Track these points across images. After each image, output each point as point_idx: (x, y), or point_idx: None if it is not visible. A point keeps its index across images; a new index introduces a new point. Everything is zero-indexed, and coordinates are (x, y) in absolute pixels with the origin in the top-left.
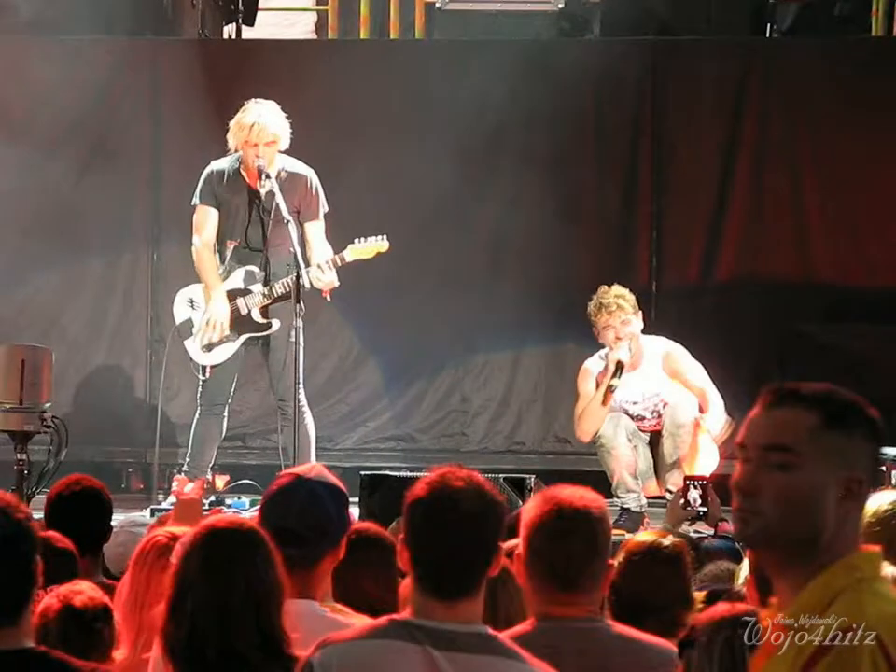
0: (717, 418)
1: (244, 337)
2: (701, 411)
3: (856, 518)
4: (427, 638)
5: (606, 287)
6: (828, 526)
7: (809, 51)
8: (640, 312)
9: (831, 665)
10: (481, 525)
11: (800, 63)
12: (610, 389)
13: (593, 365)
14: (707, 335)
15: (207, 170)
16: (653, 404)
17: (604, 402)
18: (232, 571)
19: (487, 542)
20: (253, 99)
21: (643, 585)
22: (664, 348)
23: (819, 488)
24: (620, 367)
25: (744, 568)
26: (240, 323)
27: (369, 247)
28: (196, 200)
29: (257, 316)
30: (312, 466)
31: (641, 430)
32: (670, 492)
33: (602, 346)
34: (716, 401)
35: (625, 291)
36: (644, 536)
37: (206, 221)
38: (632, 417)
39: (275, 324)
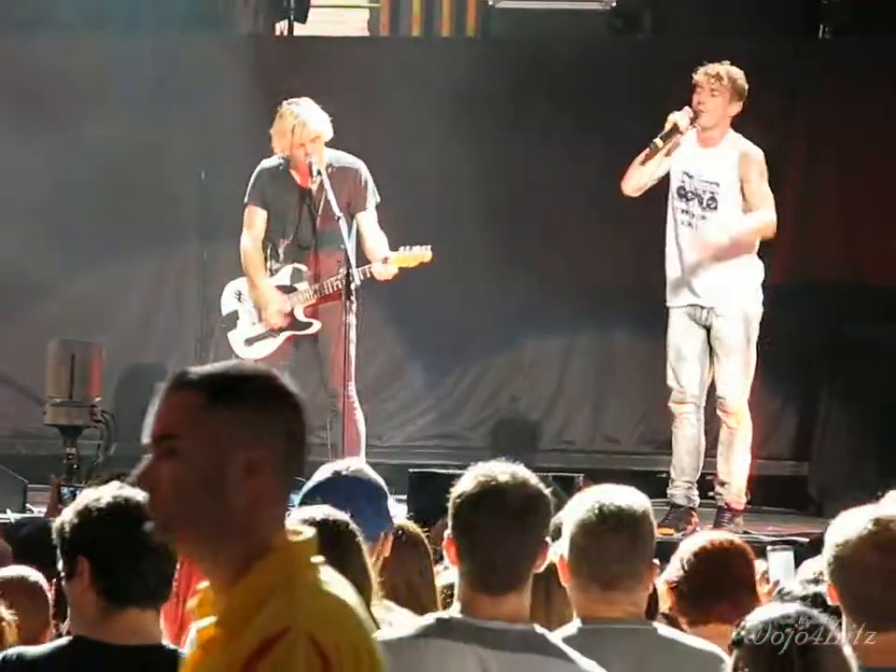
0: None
1: (285, 334)
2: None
3: (272, 497)
4: (474, 637)
5: (728, 62)
6: (235, 511)
7: (861, 51)
8: (741, 104)
9: (266, 670)
10: (527, 519)
11: (851, 64)
12: (653, 147)
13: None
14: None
15: (257, 169)
16: (705, 189)
17: (643, 161)
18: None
19: (533, 536)
20: (286, 101)
21: (711, 586)
22: (747, 147)
23: (211, 471)
24: (674, 129)
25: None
26: (283, 320)
27: (413, 256)
28: (246, 199)
29: (300, 315)
30: (350, 461)
31: (683, 214)
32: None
33: None
34: (769, 219)
35: (740, 75)
36: (702, 535)
37: (254, 220)
38: (680, 194)
39: (316, 324)
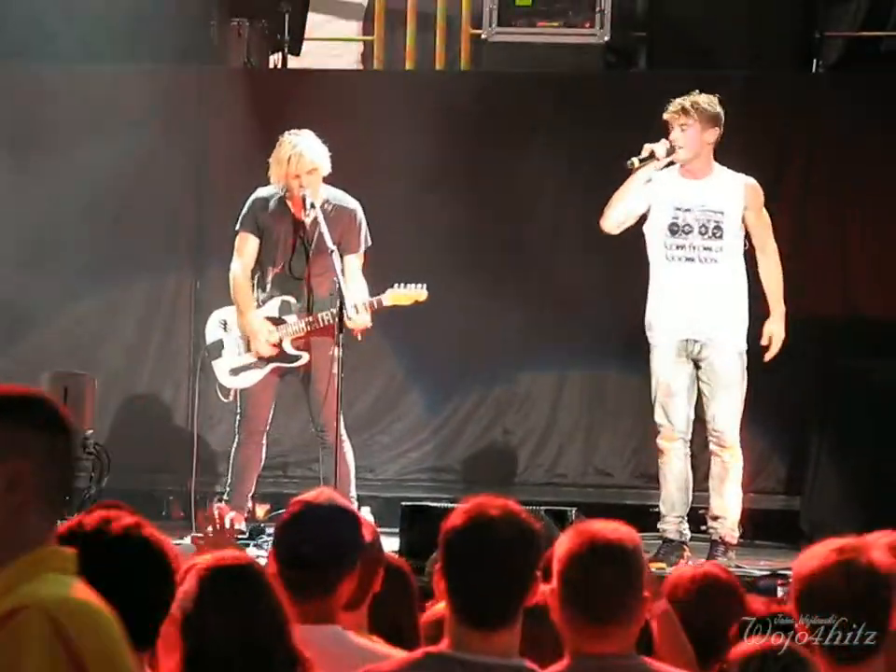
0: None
1: (271, 366)
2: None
3: (34, 510)
4: None
5: (697, 91)
6: None
7: (855, 87)
8: (718, 129)
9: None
10: (517, 554)
11: (846, 99)
12: (630, 165)
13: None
14: (749, 371)
15: (252, 197)
16: (709, 219)
17: (624, 187)
18: (247, 605)
19: (524, 571)
20: (287, 132)
21: (706, 618)
22: (750, 180)
23: None
24: (650, 156)
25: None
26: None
27: (408, 294)
28: (238, 226)
29: (288, 347)
30: (321, 491)
31: (678, 250)
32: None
33: None
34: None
35: (709, 102)
36: (689, 569)
37: (246, 248)
38: (672, 230)
39: (304, 357)
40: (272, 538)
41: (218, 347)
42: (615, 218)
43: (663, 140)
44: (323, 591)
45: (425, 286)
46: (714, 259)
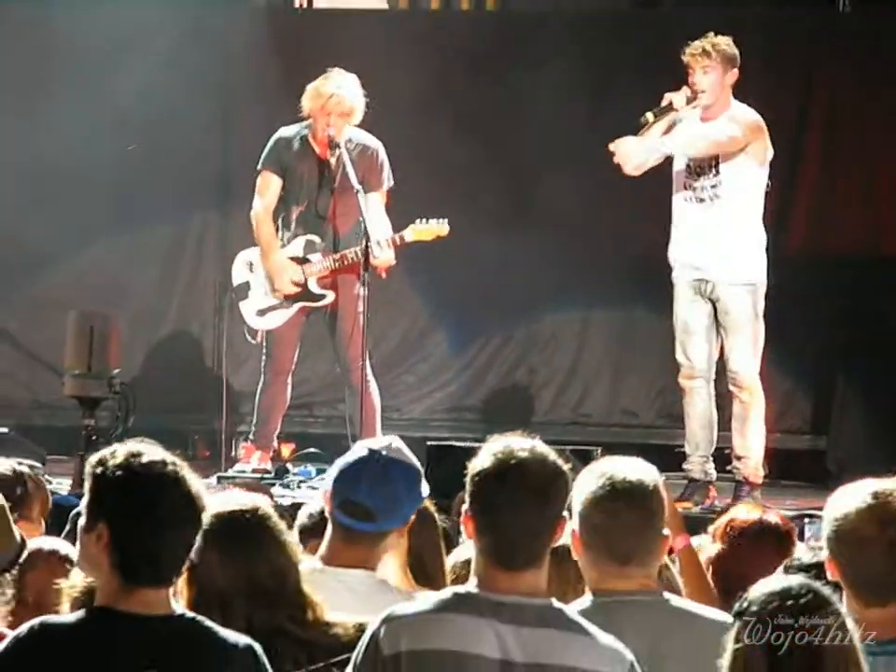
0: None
1: (297, 305)
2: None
3: None
4: (491, 612)
5: (712, 34)
6: None
7: (881, 23)
8: (736, 70)
9: None
10: (545, 494)
11: (871, 35)
12: (643, 121)
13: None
14: (773, 310)
15: (275, 136)
16: (709, 162)
17: (637, 133)
18: (250, 551)
19: (552, 511)
20: (336, 69)
21: (751, 563)
22: (740, 110)
23: None
24: (668, 106)
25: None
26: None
27: (430, 229)
28: (260, 165)
29: (313, 286)
30: (389, 440)
31: (691, 191)
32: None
33: None
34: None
35: (727, 43)
36: (748, 512)
37: (269, 187)
38: (687, 172)
39: (329, 295)
40: (298, 476)
41: (245, 288)
42: (633, 162)
43: (683, 88)
44: (370, 540)
45: (446, 220)
46: (717, 195)
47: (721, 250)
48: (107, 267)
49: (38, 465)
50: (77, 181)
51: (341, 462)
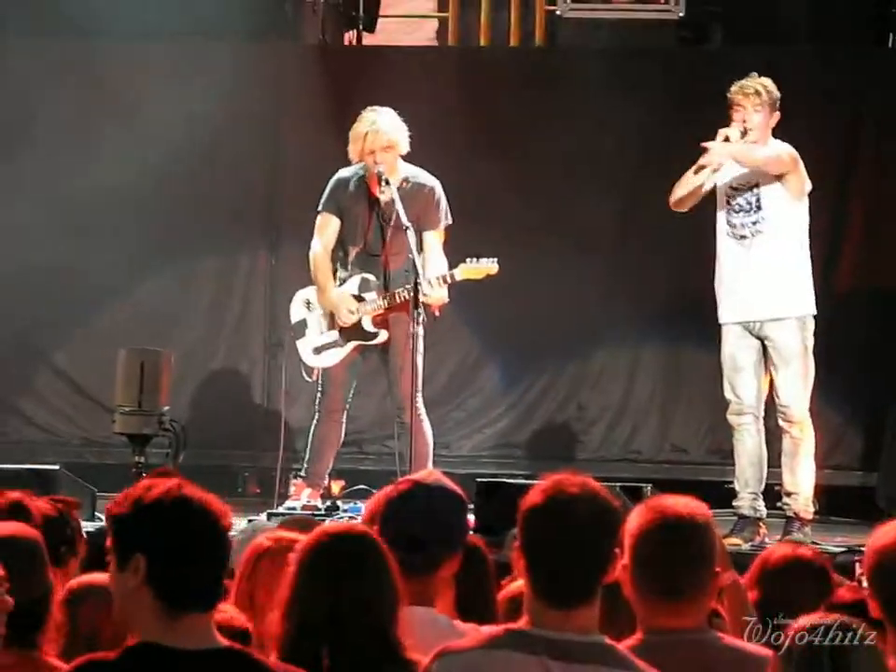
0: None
1: (352, 344)
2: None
3: None
4: (544, 649)
5: (756, 74)
6: None
7: None
8: (777, 113)
9: None
10: (597, 532)
11: None
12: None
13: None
14: (823, 346)
15: (334, 178)
16: (751, 195)
17: (695, 171)
18: (339, 577)
19: (603, 549)
20: (369, 107)
21: (787, 597)
22: (782, 146)
23: None
24: (725, 140)
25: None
26: (350, 329)
27: (480, 268)
28: (320, 207)
29: (367, 325)
30: (430, 472)
31: (732, 228)
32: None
33: None
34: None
35: (771, 84)
36: (783, 547)
37: (327, 228)
38: (729, 210)
39: (383, 334)
40: (348, 514)
41: (302, 327)
42: (679, 195)
43: (734, 124)
44: (425, 572)
45: (496, 259)
46: (759, 231)
47: (765, 287)
48: (157, 304)
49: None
50: (126, 217)
51: (381, 497)
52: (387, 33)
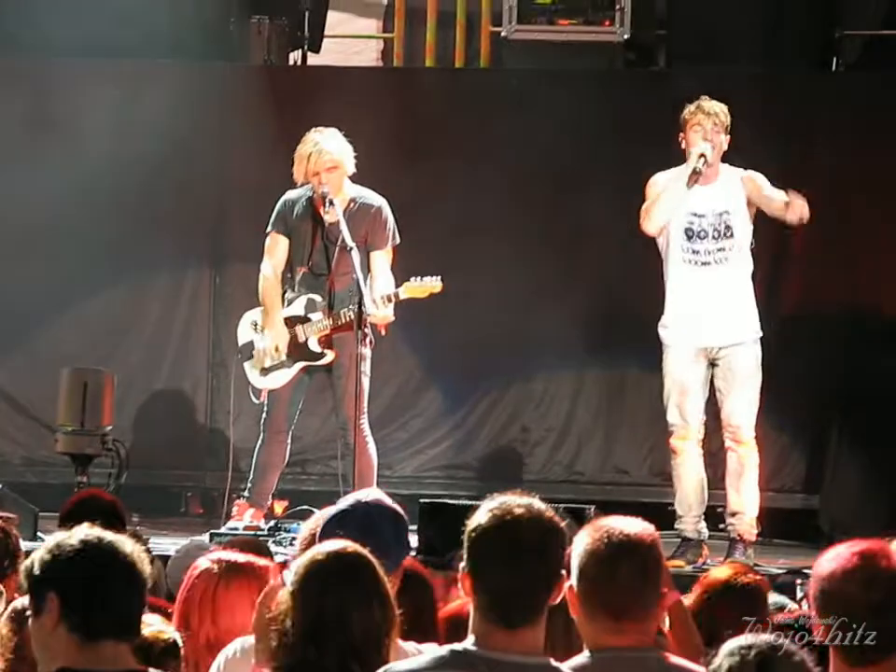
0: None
1: (299, 365)
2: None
3: None
4: (488, 670)
5: (705, 97)
6: None
7: (874, 86)
8: (728, 136)
9: None
10: (543, 552)
11: (865, 98)
12: (696, 172)
13: (666, 172)
14: (766, 367)
15: (282, 199)
16: (720, 222)
17: (688, 184)
18: (326, 591)
19: (549, 569)
20: (314, 129)
21: (722, 621)
22: (744, 171)
23: None
24: (702, 158)
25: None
26: (296, 350)
27: (424, 287)
28: (269, 227)
29: (314, 345)
30: (369, 490)
31: (694, 255)
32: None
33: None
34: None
35: (725, 108)
36: (722, 571)
37: (276, 249)
38: (688, 235)
39: (329, 355)
40: (290, 534)
41: (249, 348)
42: (661, 221)
43: (702, 143)
44: None
45: (439, 277)
46: (726, 258)
47: (729, 312)
48: (101, 323)
49: (10, 515)
50: (71, 236)
51: (323, 515)
52: (332, 53)
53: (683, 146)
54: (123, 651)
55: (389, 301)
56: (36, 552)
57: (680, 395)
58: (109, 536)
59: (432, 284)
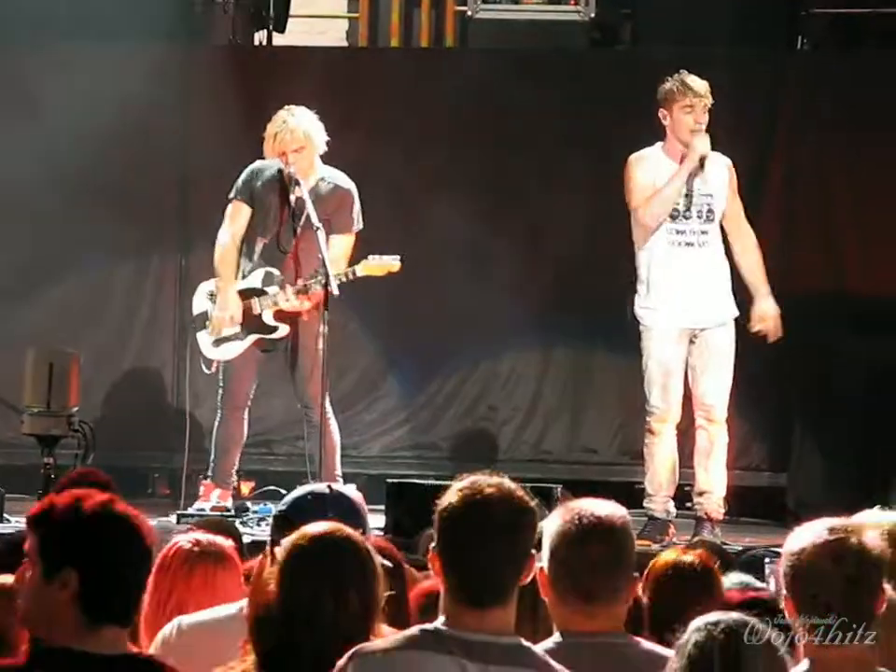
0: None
1: (252, 337)
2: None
3: None
4: (459, 649)
5: (684, 72)
6: None
7: (839, 65)
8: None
9: None
10: (513, 532)
11: (830, 77)
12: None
13: (650, 152)
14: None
15: (250, 167)
16: (703, 203)
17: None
18: (315, 579)
19: (520, 549)
20: (285, 107)
21: (672, 605)
22: (729, 161)
23: None
24: (702, 160)
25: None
26: (250, 323)
27: (382, 265)
28: (232, 194)
29: (268, 319)
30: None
31: (678, 235)
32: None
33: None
34: None
35: (708, 86)
36: (668, 554)
37: (237, 216)
38: (673, 216)
39: (282, 328)
40: (258, 515)
41: (203, 318)
42: (662, 216)
43: (702, 136)
44: None
45: (398, 257)
46: (708, 241)
47: (711, 293)
48: (67, 304)
49: None
50: (34, 217)
51: (282, 504)
52: (298, 33)
53: (667, 122)
54: (122, 635)
55: (346, 277)
56: (43, 506)
57: (665, 377)
58: (132, 513)
59: (390, 262)
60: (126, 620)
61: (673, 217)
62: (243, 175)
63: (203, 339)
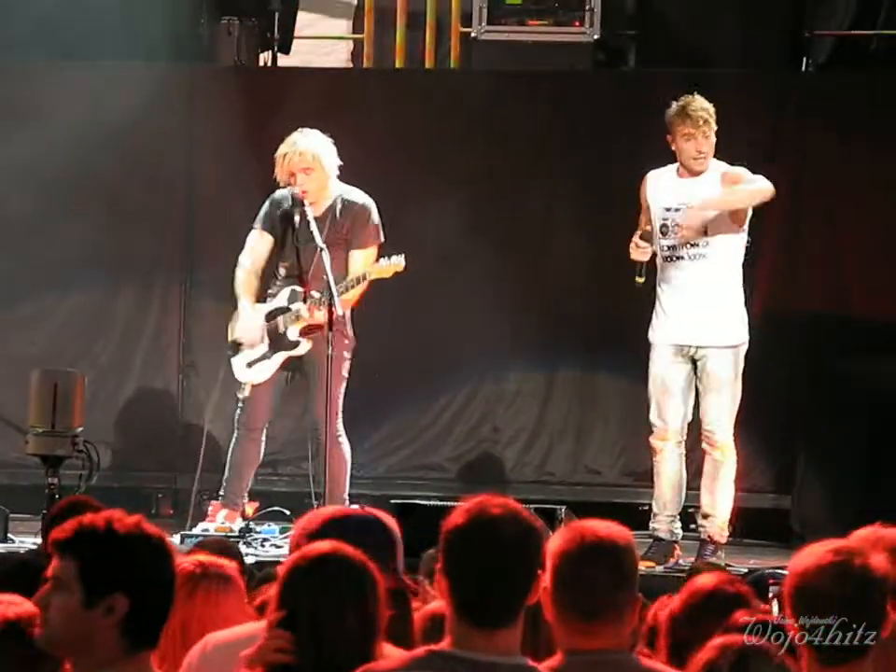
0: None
1: (280, 355)
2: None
3: None
4: (467, 670)
5: (689, 96)
6: None
7: (843, 86)
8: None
9: None
10: (520, 553)
11: (834, 98)
12: (638, 286)
13: (658, 172)
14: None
15: (270, 197)
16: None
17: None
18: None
19: (526, 570)
20: (299, 129)
21: (701, 629)
22: (723, 167)
23: None
24: (641, 262)
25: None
26: (277, 342)
27: (388, 267)
28: (256, 223)
29: (292, 335)
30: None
31: (669, 250)
32: None
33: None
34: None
35: (710, 106)
36: (707, 579)
37: (257, 244)
38: (662, 231)
39: (305, 344)
40: (261, 535)
41: (237, 344)
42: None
43: (644, 250)
44: None
45: (402, 255)
46: (702, 255)
47: (703, 312)
48: (71, 325)
49: None
50: (41, 237)
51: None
52: (302, 54)
53: (673, 147)
54: (152, 659)
55: (356, 282)
56: (100, 536)
57: (661, 394)
58: (162, 534)
59: (395, 263)
60: (157, 643)
61: (663, 233)
62: (265, 206)
63: (237, 363)
